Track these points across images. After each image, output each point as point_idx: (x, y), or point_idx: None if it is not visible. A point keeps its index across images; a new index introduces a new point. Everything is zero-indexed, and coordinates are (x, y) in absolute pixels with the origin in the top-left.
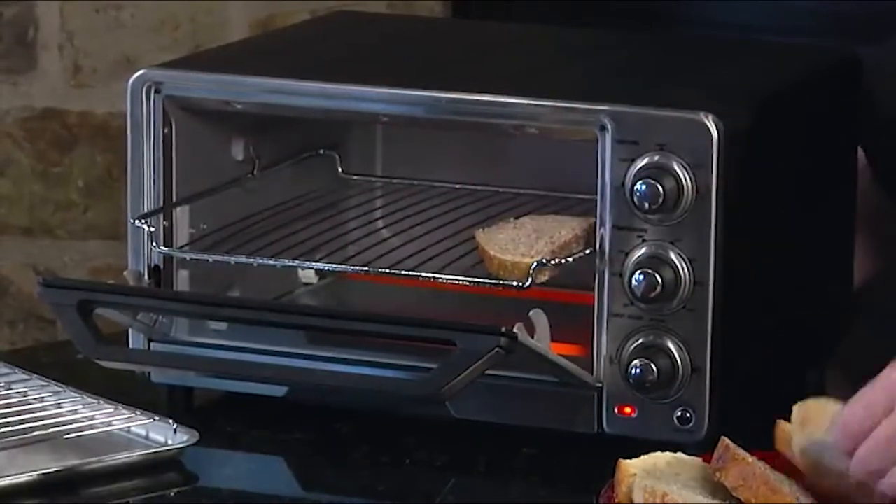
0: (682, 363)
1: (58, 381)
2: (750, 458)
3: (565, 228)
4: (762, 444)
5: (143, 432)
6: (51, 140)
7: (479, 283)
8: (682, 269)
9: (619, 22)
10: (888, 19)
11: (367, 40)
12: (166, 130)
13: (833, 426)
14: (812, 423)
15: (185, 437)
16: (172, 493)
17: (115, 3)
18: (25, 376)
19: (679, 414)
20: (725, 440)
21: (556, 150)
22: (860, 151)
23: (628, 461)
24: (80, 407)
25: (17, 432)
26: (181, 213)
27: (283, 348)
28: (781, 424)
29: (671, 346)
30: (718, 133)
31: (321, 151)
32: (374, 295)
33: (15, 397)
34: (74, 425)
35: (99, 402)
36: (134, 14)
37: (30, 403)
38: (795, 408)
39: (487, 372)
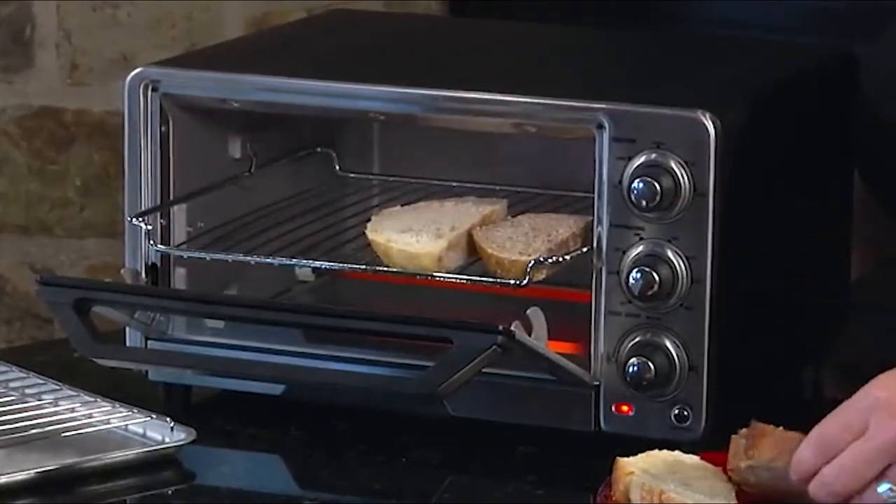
0: (679, 361)
1: (55, 379)
2: (779, 428)
3: (563, 226)
4: None
5: (140, 430)
6: (47, 138)
7: (476, 281)
8: (680, 267)
9: (617, 20)
10: (881, 15)
11: (364, 38)
12: (163, 128)
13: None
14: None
15: (182, 436)
16: (170, 492)
17: (111, 2)
18: (22, 374)
19: (676, 412)
20: (753, 421)
21: (554, 149)
22: None
23: (626, 459)
24: (78, 405)
25: (15, 430)
26: (178, 212)
27: (280, 346)
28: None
29: (668, 344)
30: (715, 131)
31: (318, 149)
32: (371, 293)
33: (12, 396)
34: (72, 423)
35: (96, 401)
36: (130, 12)
37: (27, 402)
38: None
39: (484, 370)
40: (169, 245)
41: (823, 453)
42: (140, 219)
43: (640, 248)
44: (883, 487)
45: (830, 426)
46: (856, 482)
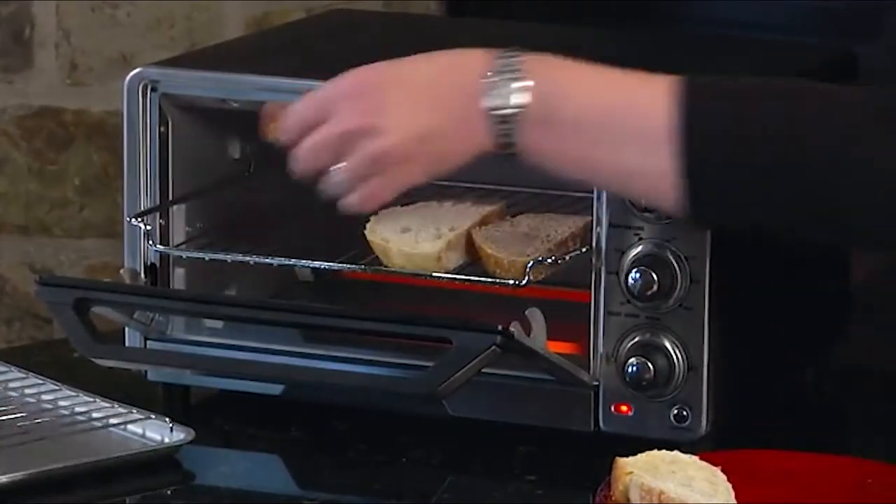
0: (678, 361)
1: (54, 379)
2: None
3: (562, 227)
4: (758, 443)
5: (139, 430)
6: (47, 138)
7: (475, 281)
8: (679, 267)
9: (617, 20)
10: (881, 15)
11: (363, 38)
12: (162, 129)
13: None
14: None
15: (181, 436)
16: (169, 492)
17: (111, 2)
18: (22, 375)
19: (676, 412)
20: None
21: None
22: None
23: (625, 459)
24: (77, 405)
25: (14, 431)
26: (177, 212)
27: (279, 346)
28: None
29: (668, 344)
30: None
31: None
32: (371, 293)
33: (11, 396)
34: (71, 424)
35: (95, 401)
36: (130, 12)
37: (26, 402)
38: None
39: (484, 370)
40: (168, 245)
41: (300, 128)
42: (139, 219)
43: (640, 249)
44: (343, 170)
45: (308, 109)
46: (316, 162)
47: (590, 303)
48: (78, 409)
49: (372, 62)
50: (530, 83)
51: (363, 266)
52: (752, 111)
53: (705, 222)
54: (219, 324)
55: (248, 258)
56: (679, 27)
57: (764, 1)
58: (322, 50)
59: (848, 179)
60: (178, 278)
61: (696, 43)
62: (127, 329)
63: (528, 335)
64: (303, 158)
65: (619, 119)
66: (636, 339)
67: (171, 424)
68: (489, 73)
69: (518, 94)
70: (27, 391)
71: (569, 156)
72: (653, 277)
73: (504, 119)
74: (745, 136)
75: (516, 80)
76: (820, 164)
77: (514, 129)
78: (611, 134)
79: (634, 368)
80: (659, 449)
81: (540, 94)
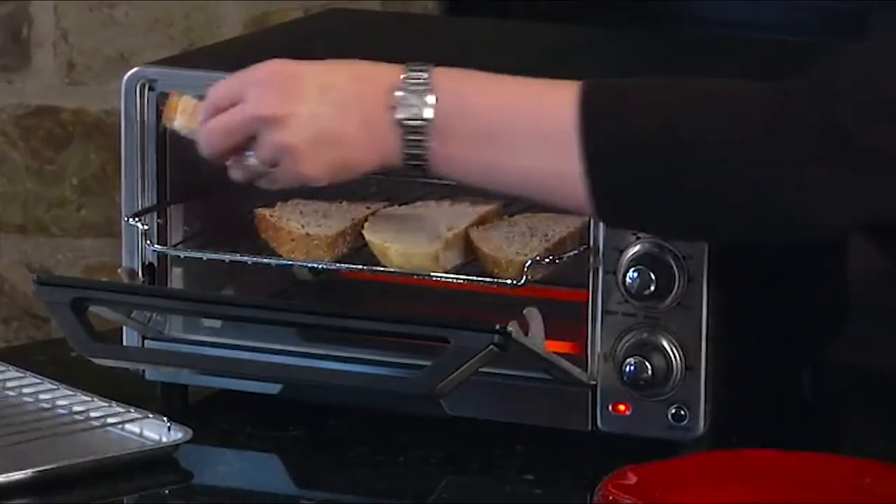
0: (676, 361)
1: (52, 378)
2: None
3: (560, 226)
4: (756, 442)
5: (137, 430)
6: (45, 138)
7: (473, 280)
8: (677, 266)
9: (616, 20)
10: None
11: (361, 38)
12: (160, 128)
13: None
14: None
15: (179, 435)
16: (167, 491)
17: (108, 2)
18: (20, 374)
19: (673, 412)
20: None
21: None
22: None
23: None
24: (75, 404)
25: (12, 430)
26: (175, 211)
27: (277, 346)
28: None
29: (665, 343)
30: None
31: None
32: (369, 292)
33: (9, 395)
34: (69, 423)
35: (93, 400)
36: (128, 12)
37: (24, 401)
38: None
39: (482, 369)
40: (166, 245)
41: (212, 112)
42: (137, 218)
43: (637, 248)
44: (247, 157)
45: (220, 91)
46: (222, 144)
47: (587, 302)
48: (76, 409)
49: (372, 62)
50: (434, 96)
51: (361, 266)
52: (645, 115)
53: (611, 223)
54: (217, 323)
55: (245, 258)
56: (679, 27)
57: (764, 1)
58: (320, 50)
59: (721, 194)
60: (176, 278)
61: (696, 43)
62: (125, 328)
63: (526, 334)
64: (207, 138)
65: (525, 124)
66: (634, 339)
67: (168, 424)
68: (399, 86)
69: (425, 107)
70: (25, 390)
71: (476, 165)
72: (650, 277)
73: (412, 130)
74: (634, 140)
75: (423, 93)
76: (696, 177)
77: (422, 141)
78: (516, 139)
79: (632, 368)
80: (657, 449)
81: (444, 107)
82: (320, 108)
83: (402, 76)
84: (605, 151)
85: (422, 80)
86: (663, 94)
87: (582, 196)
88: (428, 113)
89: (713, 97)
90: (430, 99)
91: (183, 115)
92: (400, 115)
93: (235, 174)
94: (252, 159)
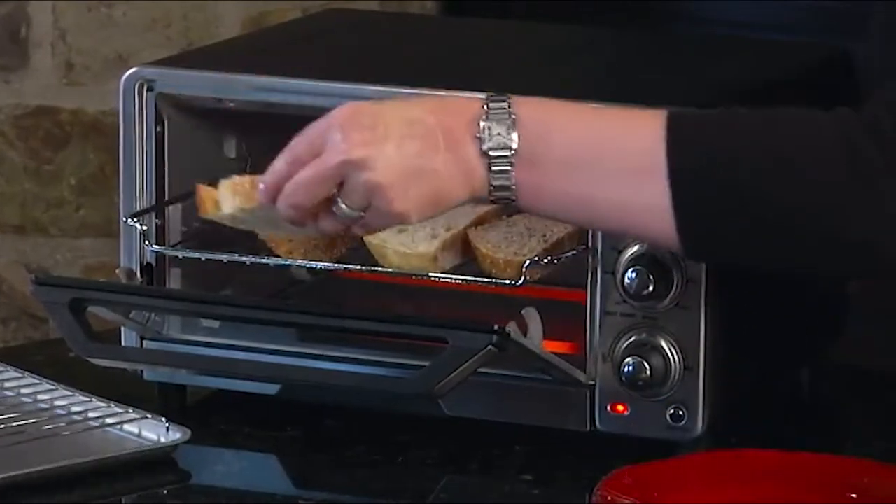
0: (674, 361)
1: (50, 379)
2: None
3: (558, 226)
4: (754, 442)
5: (135, 430)
6: (43, 138)
7: (471, 281)
8: (675, 266)
9: (616, 20)
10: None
11: (359, 38)
12: (159, 128)
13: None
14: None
15: (177, 435)
16: (165, 491)
17: (107, 2)
18: (18, 374)
19: (672, 412)
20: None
21: None
22: None
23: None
24: (73, 405)
25: (10, 431)
26: (173, 211)
27: (275, 346)
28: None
29: (664, 343)
30: None
31: None
32: (367, 293)
33: (7, 395)
34: (67, 423)
35: (91, 400)
36: (126, 12)
37: (22, 401)
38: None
39: (480, 370)
40: (164, 245)
41: (291, 170)
42: (135, 219)
43: (636, 248)
44: (338, 205)
45: (299, 145)
46: (310, 196)
47: (586, 302)
48: (74, 409)
49: (368, 62)
50: (517, 126)
51: (359, 266)
52: (727, 150)
53: (700, 258)
54: (215, 323)
55: (244, 258)
56: (679, 27)
57: (764, 1)
58: (318, 50)
59: (810, 231)
60: (175, 278)
61: (696, 43)
62: (123, 329)
63: (525, 335)
64: (293, 194)
65: (610, 155)
66: (632, 339)
67: (167, 424)
68: (482, 116)
69: (510, 137)
70: (23, 391)
71: (563, 196)
72: (649, 277)
73: (498, 160)
74: (719, 174)
75: (507, 122)
76: (780, 214)
77: (508, 171)
78: (602, 170)
79: (630, 368)
80: (656, 449)
81: (529, 135)
82: (406, 144)
83: (483, 106)
84: (690, 187)
85: (504, 110)
86: (740, 129)
87: (668, 230)
88: (514, 142)
89: (786, 132)
90: (514, 128)
91: (238, 197)
92: (486, 146)
93: (326, 226)
94: (343, 206)
